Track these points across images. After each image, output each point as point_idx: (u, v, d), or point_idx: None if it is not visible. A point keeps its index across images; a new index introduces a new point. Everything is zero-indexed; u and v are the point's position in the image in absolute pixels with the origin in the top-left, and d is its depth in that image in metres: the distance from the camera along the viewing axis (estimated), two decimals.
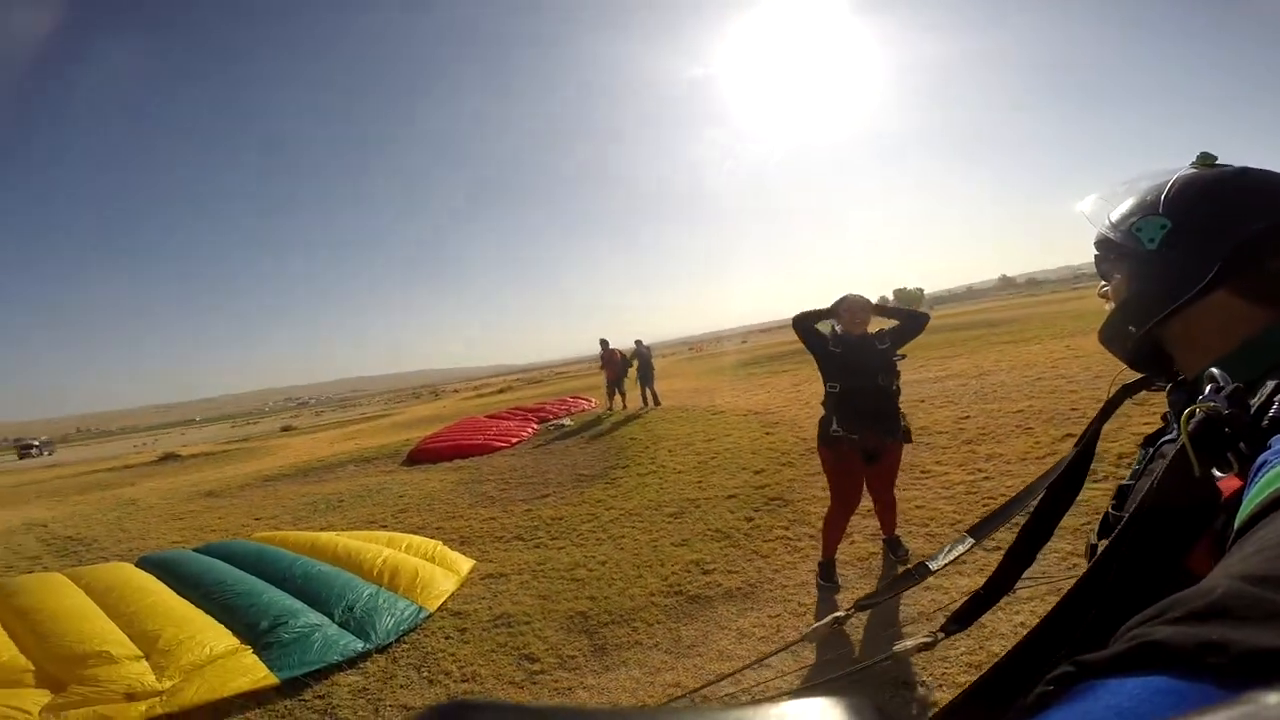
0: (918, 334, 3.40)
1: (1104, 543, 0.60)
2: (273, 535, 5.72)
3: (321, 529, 6.11)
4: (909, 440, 3.45)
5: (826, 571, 3.48)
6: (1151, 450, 0.74)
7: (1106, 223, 0.77)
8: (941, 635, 1.02)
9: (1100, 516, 0.77)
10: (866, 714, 0.17)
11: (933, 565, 1.18)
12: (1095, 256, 0.81)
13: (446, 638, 3.49)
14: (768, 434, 7.49)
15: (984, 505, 4.19)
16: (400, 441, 12.96)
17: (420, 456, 10.34)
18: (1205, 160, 0.73)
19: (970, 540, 1.15)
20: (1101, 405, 0.90)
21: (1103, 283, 0.83)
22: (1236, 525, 0.37)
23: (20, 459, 49.44)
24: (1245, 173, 0.69)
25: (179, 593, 4.24)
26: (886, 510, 3.64)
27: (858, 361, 3.29)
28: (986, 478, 4.70)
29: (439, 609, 3.89)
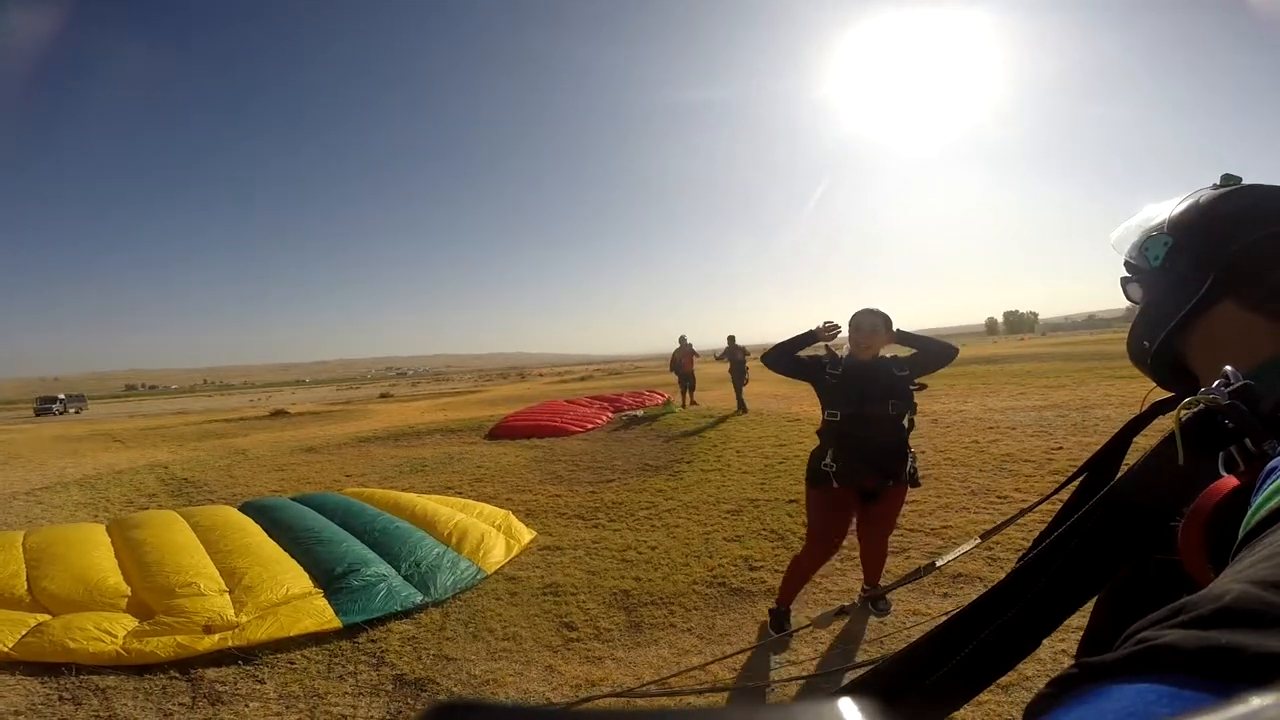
0: (940, 366, 2.94)
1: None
2: (361, 491, 6.08)
3: (405, 489, 6.45)
4: (915, 484, 2.95)
5: (778, 621, 3.04)
6: None
7: (1127, 247, 0.79)
8: None
9: None
10: (872, 714, 0.17)
11: (939, 562, 1.19)
12: (1122, 279, 0.83)
13: (497, 599, 3.68)
14: None
15: None
16: (485, 416, 13.57)
17: (501, 432, 10.79)
18: (1227, 181, 0.73)
19: (977, 540, 1.15)
20: (1127, 422, 0.87)
21: (1131, 305, 0.84)
22: (1244, 529, 0.36)
23: (37, 416, 43.87)
24: (1250, 188, 0.69)
25: (272, 536, 4.54)
26: (874, 559, 3.16)
27: (864, 386, 2.81)
28: None
29: (495, 572, 4.09)
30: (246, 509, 5.48)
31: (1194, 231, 0.69)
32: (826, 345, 2.94)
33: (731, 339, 12.76)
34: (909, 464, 2.87)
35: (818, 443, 2.95)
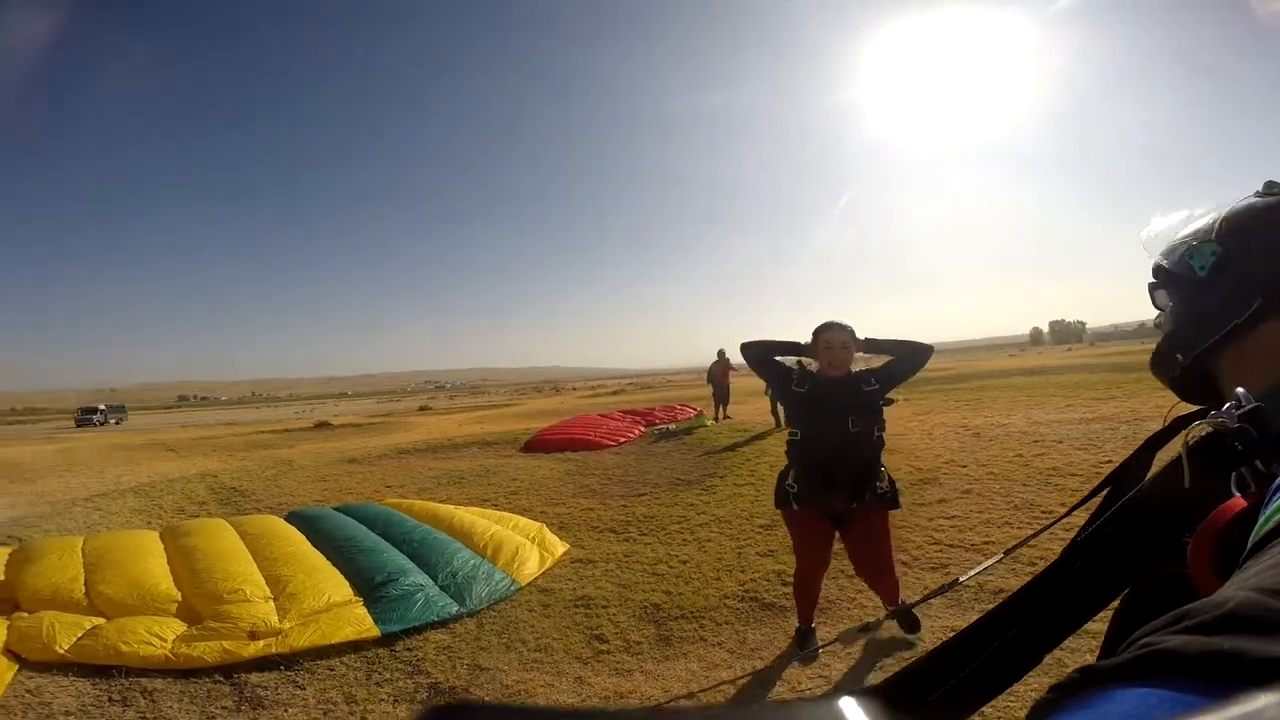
0: (915, 370, 2.82)
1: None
2: (400, 502, 6.20)
3: (442, 501, 6.54)
4: (893, 505, 2.81)
5: (802, 639, 2.98)
6: None
7: (1162, 250, 0.76)
8: None
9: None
10: (874, 714, 0.17)
11: (963, 578, 1.18)
12: (1150, 284, 0.80)
13: (530, 610, 3.72)
14: None
15: None
16: (520, 430, 13.70)
17: (535, 445, 10.87)
18: (1270, 189, 0.70)
19: (1000, 555, 1.13)
20: (1149, 436, 0.82)
21: (1158, 312, 0.81)
22: (1251, 541, 0.37)
23: (78, 426, 43.86)
24: None
25: (315, 545, 4.65)
26: (877, 584, 3.01)
27: (827, 402, 2.71)
28: None
29: (529, 584, 4.13)
30: (291, 518, 5.63)
31: (1248, 243, 0.65)
32: (799, 360, 2.87)
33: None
34: (880, 484, 2.74)
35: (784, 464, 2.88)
